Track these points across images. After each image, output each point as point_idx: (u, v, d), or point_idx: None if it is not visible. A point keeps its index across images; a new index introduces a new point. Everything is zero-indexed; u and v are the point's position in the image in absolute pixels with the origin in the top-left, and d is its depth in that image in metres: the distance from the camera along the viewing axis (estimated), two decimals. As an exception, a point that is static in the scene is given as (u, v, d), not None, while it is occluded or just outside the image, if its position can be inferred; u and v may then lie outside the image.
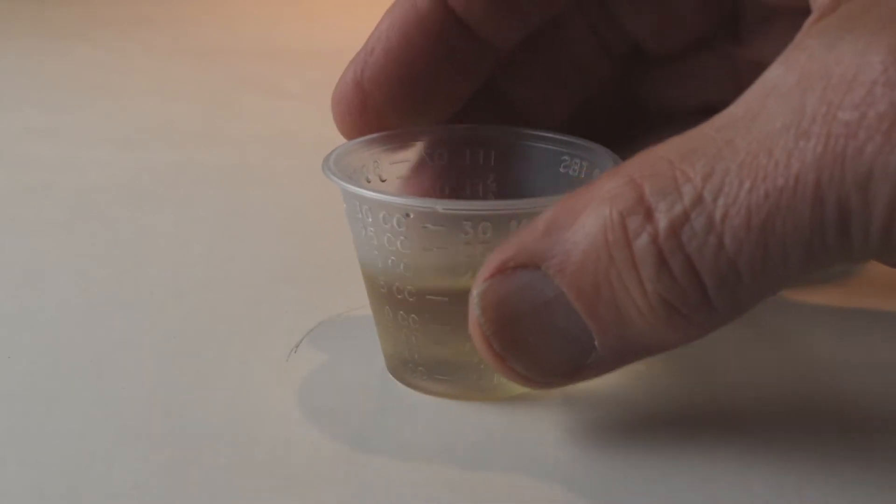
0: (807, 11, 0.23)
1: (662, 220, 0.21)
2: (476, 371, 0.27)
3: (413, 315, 0.27)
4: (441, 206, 0.25)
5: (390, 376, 0.29)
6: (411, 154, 0.30)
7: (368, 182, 0.29)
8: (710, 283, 0.21)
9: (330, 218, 0.40)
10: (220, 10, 0.82)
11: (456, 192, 0.30)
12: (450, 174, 0.30)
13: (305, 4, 0.84)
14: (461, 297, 0.26)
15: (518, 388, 0.27)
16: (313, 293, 0.34)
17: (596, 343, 0.23)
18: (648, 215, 0.21)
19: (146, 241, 0.39)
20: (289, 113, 0.56)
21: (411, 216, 0.26)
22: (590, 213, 0.22)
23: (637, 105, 0.33)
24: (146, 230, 0.40)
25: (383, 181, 0.29)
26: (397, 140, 0.30)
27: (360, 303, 0.31)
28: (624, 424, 0.27)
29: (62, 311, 0.33)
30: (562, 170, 0.29)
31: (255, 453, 0.25)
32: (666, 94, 0.32)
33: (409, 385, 0.28)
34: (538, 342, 0.23)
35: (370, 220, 0.26)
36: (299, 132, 0.52)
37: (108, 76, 0.64)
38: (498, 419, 0.27)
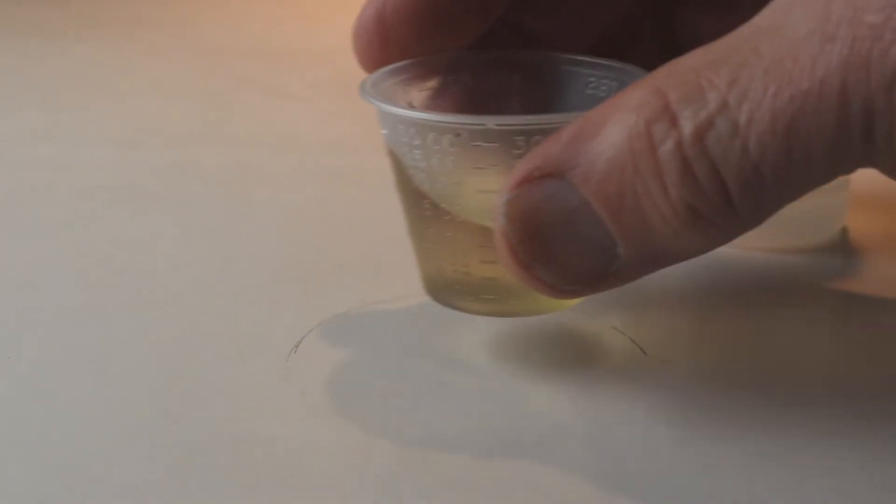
0: None
1: (687, 126, 0.21)
2: (523, 287, 0.26)
3: (460, 236, 0.26)
4: (493, 122, 0.25)
5: (390, 376, 0.28)
6: (440, 80, 0.29)
7: None
8: (733, 188, 0.21)
9: (330, 218, 0.40)
10: (220, 10, 0.82)
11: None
12: (473, 97, 0.30)
13: (305, 4, 0.84)
14: None
15: (563, 303, 0.27)
16: (313, 293, 0.34)
17: (620, 251, 0.23)
18: (673, 122, 0.22)
19: (146, 241, 0.39)
20: (289, 113, 0.56)
21: (462, 135, 0.25)
22: (615, 123, 0.22)
23: (676, 42, 0.33)
24: (146, 230, 0.40)
25: (413, 108, 0.29)
26: (425, 66, 0.29)
27: (359, 303, 0.32)
28: (624, 421, 0.27)
29: (62, 311, 0.33)
30: (589, 91, 0.29)
31: (254, 453, 0.25)
32: (700, 24, 0.32)
33: (452, 307, 0.28)
34: (564, 250, 0.23)
35: (417, 142, 0.26)
36: (299, 132, 0.52)
37: (108, 76, 0.64)
38: (499, 415, 0.27)
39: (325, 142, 0.50)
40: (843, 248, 0.37)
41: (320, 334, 0.31)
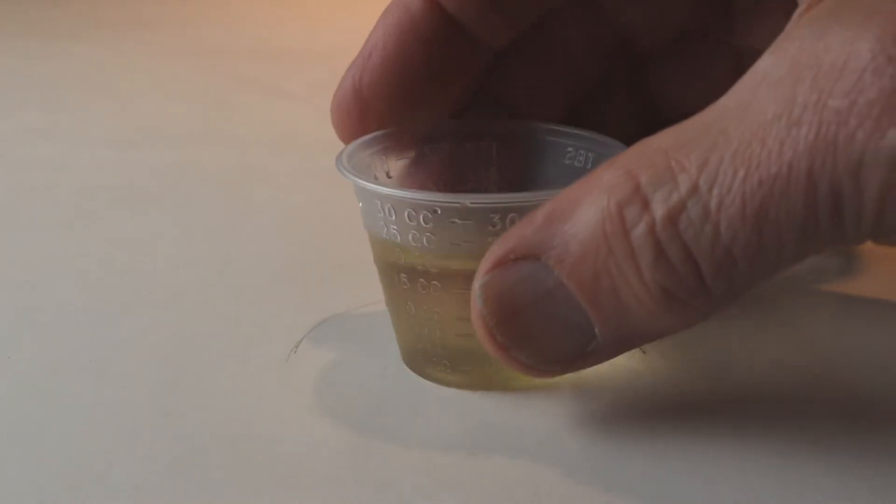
0: None
1: (659, 210, 0.22)
2: (498, 361, 0.27)
3: (437, 309, 0.27)
4: (470, 200, 0.25)
5: (390, 376, 0.29)
6: (417, 149, 0.30)
7: (376, 179, 0.29)
8: (706, 270, 0.22)
9: (330, 218, 0.40)
10: (220, 10, 0.82)
11: (457, 185, 0.30)
12: (452, 167, 0.30)
13: (306, 5, 0.84)
14: None
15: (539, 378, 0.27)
16: (313, 293, 0.34)
17: (596, 331, 0.23)
18: (645, 205, 0.22)
19: (146, 242, 0.39)
20: (289, 113, 0.56)
21: (439, 212, 0.25)
22: (588, 205, 0.23)
23: (653, 109, 0.33)
24: (146, 230, 0.40)
25: (390, 177, 0.29)
26: (403, 136, 0.30)
27: (359, 303, 0.32)
28: (627, 418, 0.27)
29: (62, 312, 0.33)
30: (566, 161, 0.29)
31: (254, 453, 0.25)
32: (674, 92, 0.32)
33: (429, 378, 0.28)
34: (540, 331, 0.24)
35: (393, 217, 0.26)
36: (299, 132, 0.52)
37: (108, 76, 0.64)
38: (499, 415, 0.27)
39: (325, 142, 0.50)
40: (844, 248, 0.37)
41: (320, 334, 0.31)
